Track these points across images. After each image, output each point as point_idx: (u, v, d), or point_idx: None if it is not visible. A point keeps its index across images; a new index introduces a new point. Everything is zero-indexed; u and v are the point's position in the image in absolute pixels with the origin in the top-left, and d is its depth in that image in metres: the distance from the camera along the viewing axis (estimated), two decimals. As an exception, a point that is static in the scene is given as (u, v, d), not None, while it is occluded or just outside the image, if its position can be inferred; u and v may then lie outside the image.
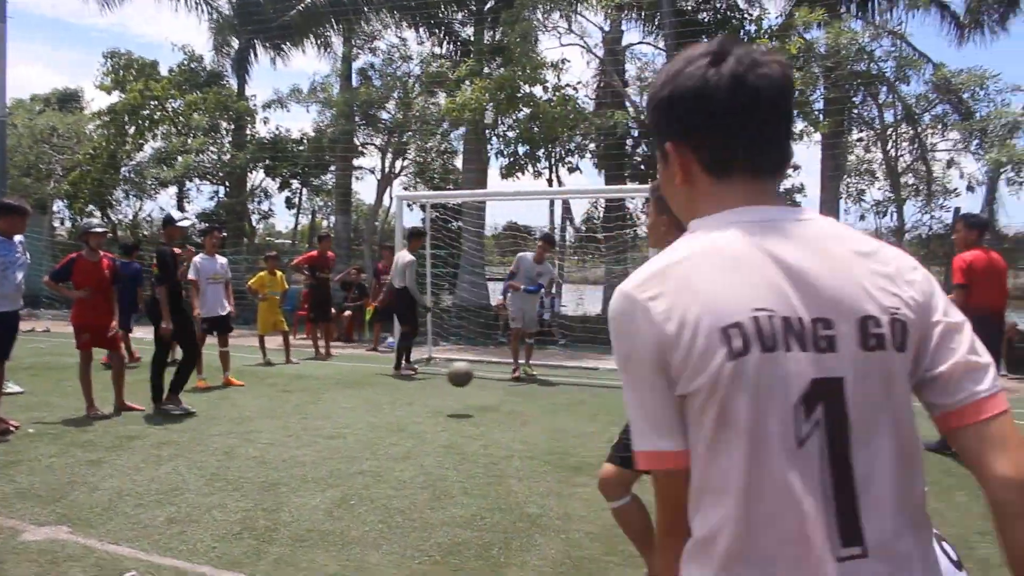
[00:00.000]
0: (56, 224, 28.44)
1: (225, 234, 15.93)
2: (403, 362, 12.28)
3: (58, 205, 27.42)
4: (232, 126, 24.48)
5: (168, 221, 9.68)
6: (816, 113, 16.75)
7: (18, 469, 6.54)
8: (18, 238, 8.20)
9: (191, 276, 10.54)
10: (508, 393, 10.51)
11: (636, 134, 18.85)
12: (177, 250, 9.45)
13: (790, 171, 20.28)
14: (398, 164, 23.95)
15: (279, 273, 13.83)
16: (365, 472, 6.52)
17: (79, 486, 6.07)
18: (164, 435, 7.78)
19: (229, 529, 5.16)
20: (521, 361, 11.91)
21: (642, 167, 18.98)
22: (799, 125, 17.45)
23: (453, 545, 4.93)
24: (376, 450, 7.28)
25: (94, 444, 7.41)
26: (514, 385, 11.11)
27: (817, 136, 17.42)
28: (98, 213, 25.09)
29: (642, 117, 18.78)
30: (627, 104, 18.88)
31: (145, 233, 26.72)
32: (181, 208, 26.33)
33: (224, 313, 11.11)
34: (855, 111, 18.37)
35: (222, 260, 11.29)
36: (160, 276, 9.18)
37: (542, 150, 19.08)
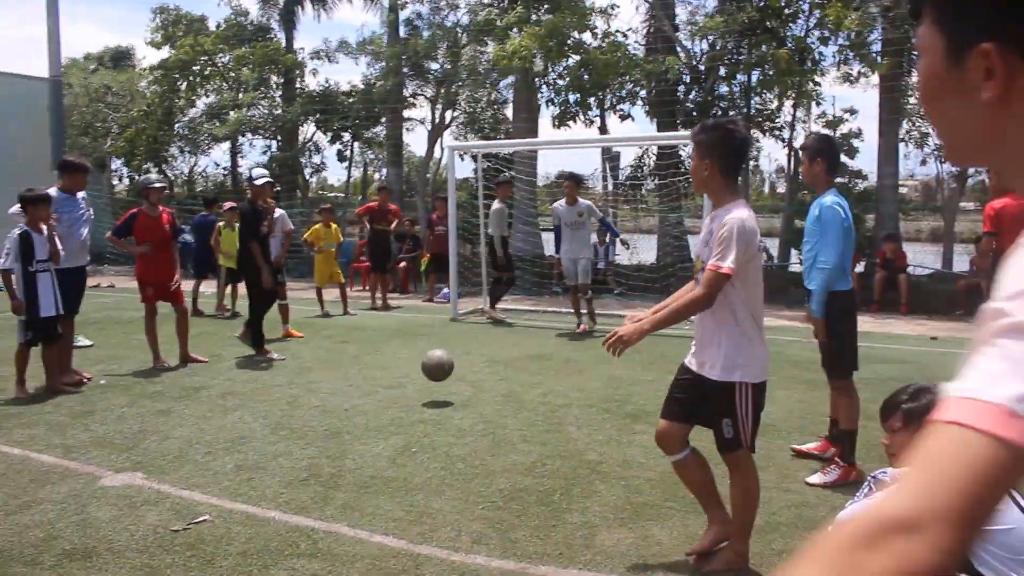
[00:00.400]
0: (115, 181, 28.91)
1: (279, 188, 16.06)
2: (495, 305, 12.82)
3: (116, 163, 27.83)
4: (281, 80, 24.56)
5: (249, 179, 10.07)
6: (874, 55, 16.29)
7: (93, 419, 6.75)
8: (81, 194, 8.38)
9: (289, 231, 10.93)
10: (563, 342, 10.54)
11: (688, 80, 18.52)
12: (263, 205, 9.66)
13: (846, 116, 19.83)
14: (448, 115, 23.87)
15: (334, 225, 13.92)
16: (425, 420, 6.62)
17: (150, 435, 6.25)
18: (229, 386, 7.96)
19: (296, 476, 5.28)
20: (584, 312, 11.69)
21: (694, 113, 18.67)
22: (855, 67, 17.01)
23: (514, 491, 5.00)
24: (436, 399, 7.37)
25: (162, 395, 7.61)
26: (571, 334, 11.12)
27: (875, 78, 16.96)
28: (154, 169, 25.40)
29: (694, 63, 18.46)
30: (678, 49, 18.55)
31: (200, 189, 27.09)
32: (235, 163, 26.65)
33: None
34: (915, 52, 17.83)
35: (278, 213, 11.10)
36: (245, 231, 9.51)
37: (593, 98, 18.84)
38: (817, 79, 17.09)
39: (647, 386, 7.77)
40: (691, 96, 18.95)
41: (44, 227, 7.42)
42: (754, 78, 17.87)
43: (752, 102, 18.49)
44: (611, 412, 6.93)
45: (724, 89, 18.70)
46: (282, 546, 4.18)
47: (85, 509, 4.73)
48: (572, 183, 11.65)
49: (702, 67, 18.42)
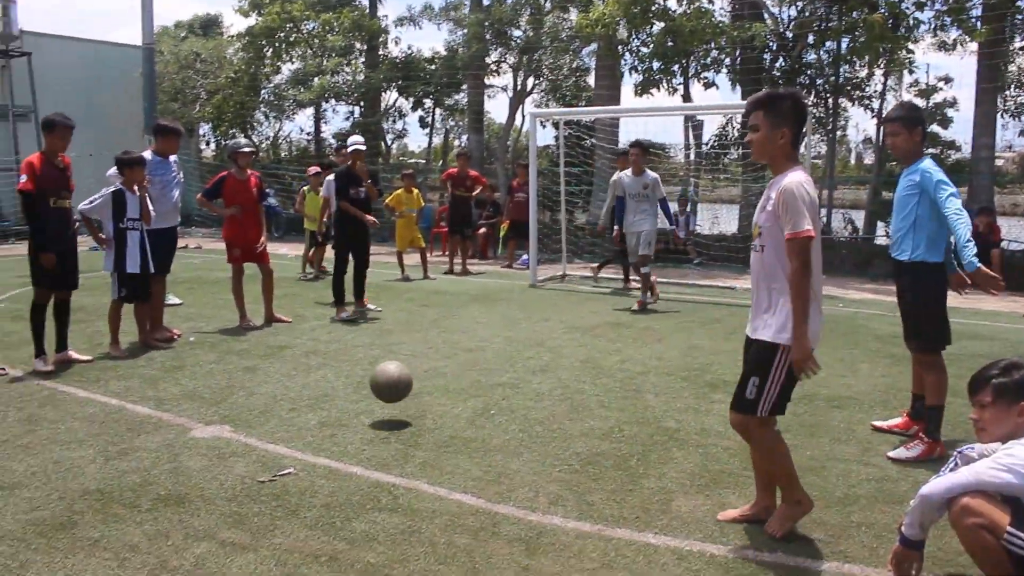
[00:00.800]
0: (202, 146, 29.58)
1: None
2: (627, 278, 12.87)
3: (203, 128, 28.45)
4: (365, 47, 24.74)
5: (343, 145, 10.53)
6: (973, 21, 15.67)
7: (183, 373, 6.99)
8: (173, 158, 8.62)
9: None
10: (642, 310, 10.48)
11: (774, 47, 18.11)
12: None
13: (941, 84, 19.16)
14: (530, 82, 23.78)
15: (415, 191, 14.04)
16: (504, 384, 6.68)
17: (237, 390, 6.44)
18: (312, 345, 8.14)
19: (376, 433, 5.40)
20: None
21: (780, 81, 18.25)
22: (952, 34, 16.39)
23: (592, 455, 5.03)
24: (514, 363, 7.44)
25: (248, 352, 7.82)
26: (649, 303, 11.05)
27: (973, 45, 16.32)
28: (241, 135, 25.89)
29: (781, 29, 18.03)
30: (765, 16, 18.13)
31: (284, 154, 27.54)
32: (318, 129, 27.02)
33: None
34: (1018, 16, 17.07)
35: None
36: (339, 193, 9.84)
37: (676, 66, 18.55)
38: (911, 46, 16.54)
39: (727, 356, 7.70)
40: (777, 64, 18.53)
41: (137, 188, 7.66)
42: (844, 45, 17.38)
43: (841, 70, 18.00)
44: (689, 380, 6.90)
45: (812, 57, 18.24)
46: (364, 500, 4.29)
47: (177, 458, 4.92)
48: (639, 151, 10.99)
49: (789, 34, 17.97)
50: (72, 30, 64.29)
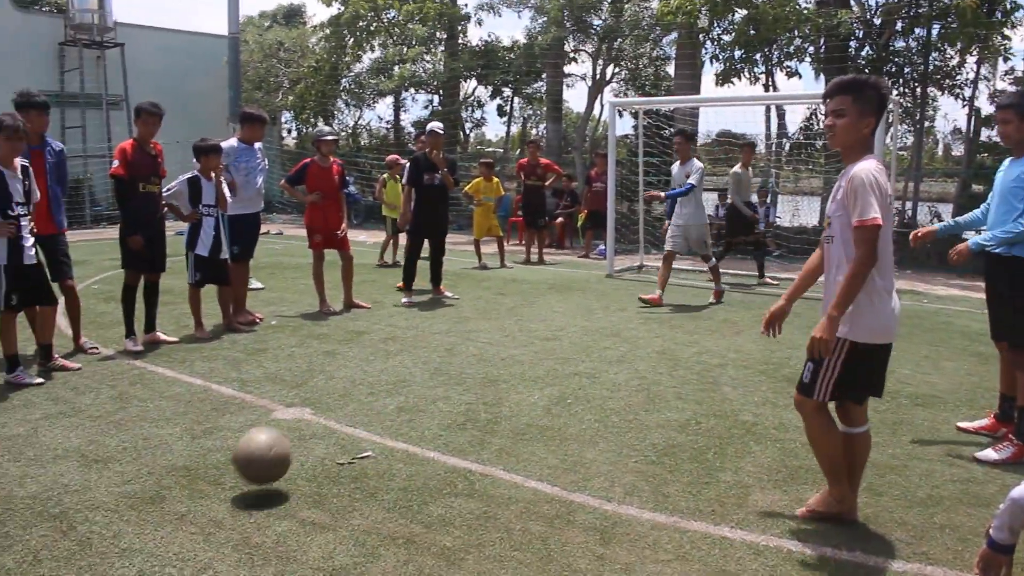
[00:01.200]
0: (284, 134, 30.11)
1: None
2: (762, 274, 12.62)
3: (286, 116, 28.96)
4: (445, 35, 24.88)
5: (422, 131, 10.59)
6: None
7: (265, 356, 7.15)
8: (258, 145, 8.79)
9: (404, 181, 10.97)
10: (721, 303, 10.37)
11: (860, 34, 17.65)
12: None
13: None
14: (609, 71, 23.63)
15: (494, 179, 14.07)
16: (581, 373, 6.68)
17: (317, 374, 6.57)
18: (390, 332, 8.25)
19: (453, 419, 5.45)
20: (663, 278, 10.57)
21: (866, 70, 17.78)
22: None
23: (668, 447, 5.00)
24: (591, 353, 7.43)
25: (328, 337, 7.97)
26: (728, 294, 10.92)
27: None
28: (322, 123, 26.29)
29: (868, 16, 17.57)
30: (851, 2, 17.68)
31: (363, 142, 27.86)
32: (397, 117, 27.29)
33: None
34: None
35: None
36: (408, 176, 10.03)
37: (759, 54, 18.23)
38: (1007, 32, 15.96)
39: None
40: (863, 52, 18.07)
41: (213, 175, 7.83)
42: (934, 32, 16.86)
43: (931, 58, 17.47)
44: (767, 374, 6.81)
45: (900, 44, 17.74)
46: (440, 485, 4.34)
47: (260, 439, 5.04)
48: (682, 139, 10.58)
49: (877, 20, 17.50)
50: (161, 21, 66.03)
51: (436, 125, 10.24)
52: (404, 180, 10.30)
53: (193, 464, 4.61)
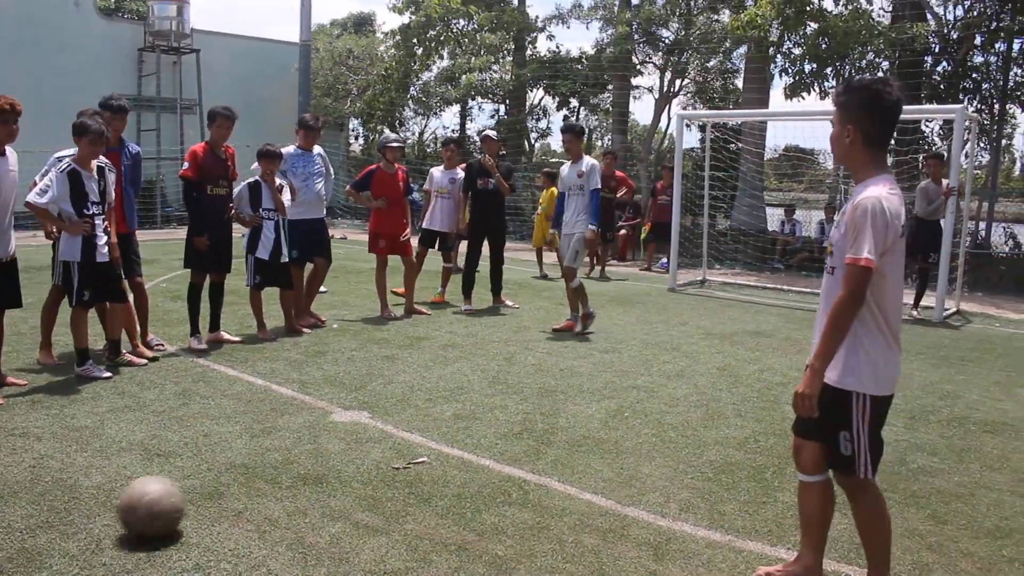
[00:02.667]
0: (351, 140, 30.47)
1: (503, 152, 15.89)
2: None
3: (353, 123, 29.30)
4: (513, 45, 24.98)
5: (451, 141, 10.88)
6: None
7: (325, 359, 7.23)
8: (317, 150, 8.89)
9: (425, 186, 11.05)
10: (784, 319, 10.20)
11: (936, 49, 17.26)
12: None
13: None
14: (677, 83, 23.49)
15: (555, 189, 14.02)
16: (639, 387, 6.62)
17: (376, 378, 6.62)
18: (449, 339, 8.28)
19: (510, 428, 5.44)
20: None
21: (940, 86, 17.38)
22: None
23: (726, 464, 4.93)
24: (650, 366, 7.36)
25: (388, 342, 8.02)
26: (791, 312, 10.76)
27: None
28: (388, 130, 26.53)
29: (945, 30, 17.18)
30: (928, 16, 17.30)
31: (429, 150, 28.06)
32: (463, 126, 27.46)
33: (446, 230, 10.48)
34: None
35: (457, 175, 10.44)
36: (465, 183, 10.19)
37: (829, 68, 17.94)
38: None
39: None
40: (939, 67, 17.67)
41: (272, 180, 7.95)
42: (1016, 47, 16.42)
43: (1011, 74, 17.01)
44: (831, 395, 6.66)
45: (979, 59, 17.31)
46: (495, 493, 4.33)
47: (317, 440, 5.09)
48: (572, 136, 9.04)
49: (954, 35, 17.11)
50: (236, 28, 67.47)
51: (490, 132, 10.40)
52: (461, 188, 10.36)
53: (251, 462, 4.67)
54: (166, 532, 3.71)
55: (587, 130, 30.33)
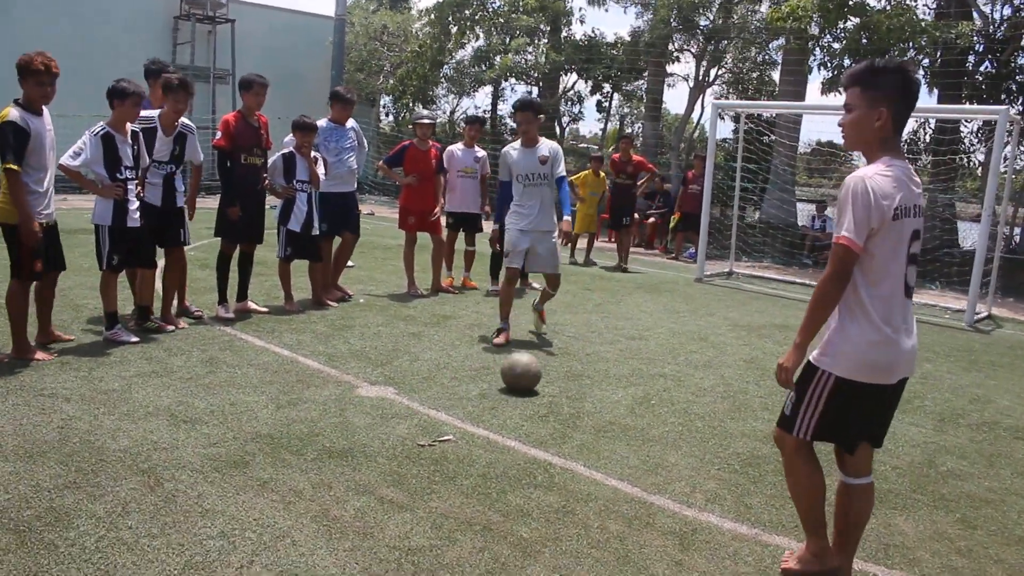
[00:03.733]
0: (382, 117, 30.45)
1: (484, 127, 15.16)
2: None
3: (385, 99, 29.26)
4: (548, 28, 24.83)
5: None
6: None
7: (352, 333, 7.22)
8: (351, 124, 8.85)
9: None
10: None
11: (981, 48, 17.00)
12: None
13: None
14: (712, 73, 23.28)
15: (602, 174, 13.90)
16: (666, 375, 6.57)
17: (402, 354, 6.60)
18: (475, 318, 8.25)
19: (536, 411, 5.41)
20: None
21: (982, 86, 17.12)
22: None
23: (752, 457, 4.88)
24: (677, 355, 7.31)
25: (414, 319, 8.01)
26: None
27: None
28: (420, 107, 26.46)
29: (990, 29, 16.91)
30: (975, 14, 17.04)
31: (459, 130, 27.97)
32: (495, 107, 27.37)
33: (474, 211, 10.00)
34: None
35: (479, 153, 10.09)
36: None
37: (870, 64, 17.70)
38: None
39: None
40: (982, 67, 17.42)
41: (307, 152, 7.93)
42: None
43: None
44: (859, 392, 6.59)
45: (1023, 60, 17.04)
46: (520, 475, 4.31)
47: (343, 413, 5.09)
48: (531, 114, 7.39)
49: (1000, 34, 16.83)
50: (272, -1, 67.26)
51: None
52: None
53: (277, 432, 4.67)
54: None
55: (618, 117, 30.17)
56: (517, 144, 7.38)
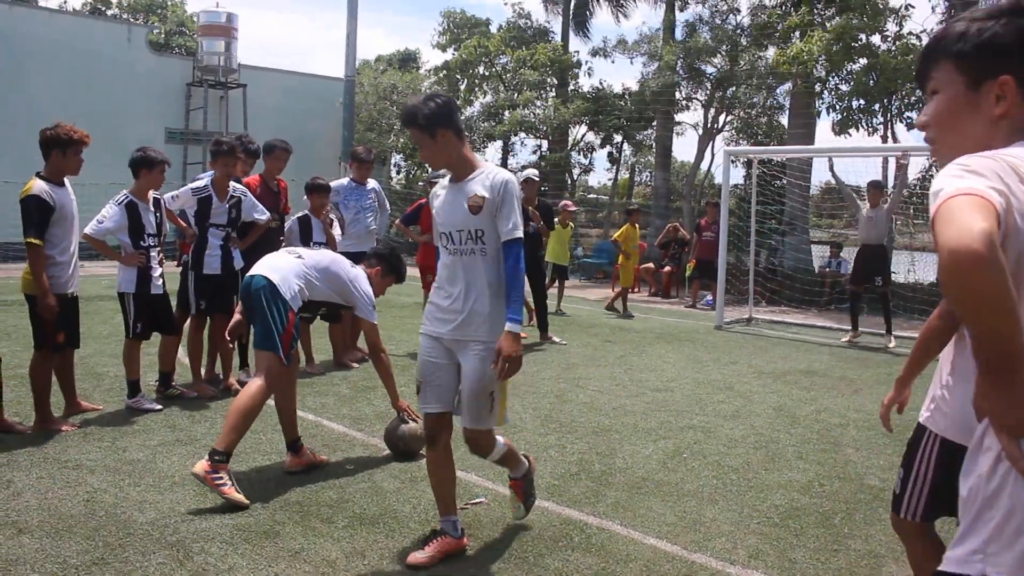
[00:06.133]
0: (393, 174, 30.67)
1: (545, 187, 15.57)
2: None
3: (396, 157, 29.47)
4: (556, 81, 25.07)
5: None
6: None
7: (375, 394, 7.14)
8: (372, 184, 8.89)
9: None
10: (836, 358, 9.99)
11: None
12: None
13: None
14: (721, 119, 23.40)
15: (638, 227, 13.87)
16: (695, 427, 6.47)
17: (428, 415, 6.50)
18: (498, 374, 8.16)
19: (567, 469, 5.32)
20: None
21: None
22: None
23: (791, 509, 4.76)
24: (704, 406, 7.21)
25: (437, 377, 7.92)
26: (843, 350, 10.57)
27: None
28: (430, 167, 26.56)
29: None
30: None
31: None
32: (505, 162, 27.53)
33: None
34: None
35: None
36: None
37: (877, 104, 17.78)
38: None
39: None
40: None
41: (321, 214, 7.94)
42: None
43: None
44: (891, 437, 6.41)
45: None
46: (556, 536, 4.21)
47: (372, 478, 5.00)
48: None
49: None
50: (282, 63, 68.45)
51: (532, 172, 10.41)
52: None
53: (306, 500, 4.58)
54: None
55: (628, 167, 30.26)
56: (447, 180, 4.20)
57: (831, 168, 11.80)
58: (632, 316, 13.23)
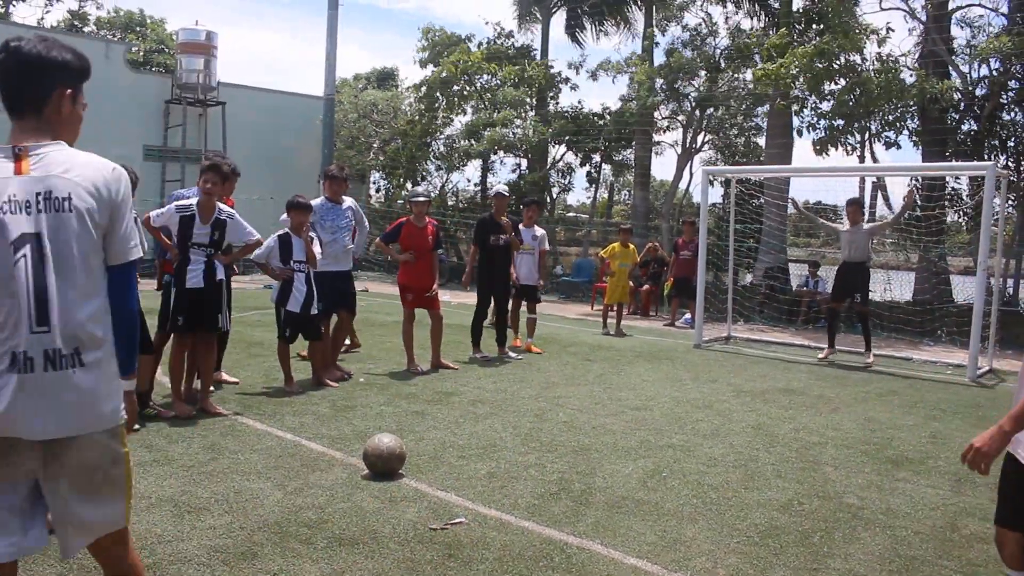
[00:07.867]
0: (372, 192, 30.60)
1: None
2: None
3: (375, 175, 29.44)
4: (535, 100, 25.15)
5: (495, 194, 10.83)
6: None
7: (354, 414, 7.12)
8: (349, 203, 8.89)
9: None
10: (815, 377, 10.04)
11: (963, 106, 17.25)
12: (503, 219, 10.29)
13: None
14: (699, 139, 23.56)
15: (631, 246, 13.86)
16: (675, 446, 6.48)
17: (407, 434, 6.48)
18: (478, 394, 8.16)
19: (547, 488, 5.31)
20: None
21: (968, 143, 17.35)
22: None
23: (771, 528, 4.78)
24: (683, 425, 7.22)
25: (416, 397, 7.91)
26: (820, 369, 10.63)
27: None
28: (410, 184, 26.60)
29: (970, 88, 17.17)
30: (953, 74, 17.31)
31: (450, 203, 28.13)
32: (484, 180, 27.59)
33: (531, 283, 11.39)
34: None
35: (538, 232, 11.50)
36: (476, 238, 10.38)
37: (856, 124, 17.93)
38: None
39: (908, 431, 7.25)
40: (963, 126, 17.66)
41: (302, 232, 7.94)
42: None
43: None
44: (870, 455, 6.50)
45: (1008, 116, 17.29)
46: (537, 556, 4.19)
47: (351, 498, 4.97)
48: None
49: (981, 92, 17.11)
50: (261, 81, 68.26)
51: (501, 188, 10.81)
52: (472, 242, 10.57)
53: (284, 520, 4.55)
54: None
55: (606, 186, 30.39)
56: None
57: (796, 207, 12.27)
58: (611, 334, 13.24)
